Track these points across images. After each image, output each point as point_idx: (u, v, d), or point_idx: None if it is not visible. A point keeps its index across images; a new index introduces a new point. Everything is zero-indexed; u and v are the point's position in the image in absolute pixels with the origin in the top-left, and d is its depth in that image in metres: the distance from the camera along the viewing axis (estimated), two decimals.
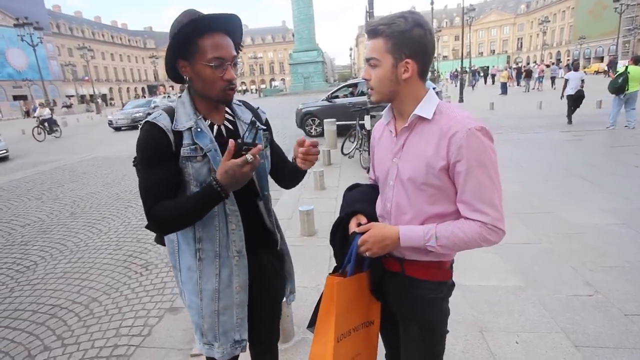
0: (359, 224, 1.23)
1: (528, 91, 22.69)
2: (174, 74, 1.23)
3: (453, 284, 1.25)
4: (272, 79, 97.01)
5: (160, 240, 1.39)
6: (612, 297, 2.56)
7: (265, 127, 1.40)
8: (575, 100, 10.04)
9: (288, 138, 11.17)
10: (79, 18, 73.54)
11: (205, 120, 1.22)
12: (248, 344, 1.47)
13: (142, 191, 1.18)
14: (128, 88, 77.15)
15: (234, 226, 1.24)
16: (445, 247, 1.08)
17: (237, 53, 1.24)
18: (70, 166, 9.49)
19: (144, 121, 1.19)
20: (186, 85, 1.26)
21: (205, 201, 1.12)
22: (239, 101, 1.40)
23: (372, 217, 1.26)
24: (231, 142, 1.08)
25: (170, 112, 1.20)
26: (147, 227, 1.26)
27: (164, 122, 1.16)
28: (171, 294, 3.15)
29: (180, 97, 1.26)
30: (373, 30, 1.09)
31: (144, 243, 4.24)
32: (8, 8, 52.42)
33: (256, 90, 62.24)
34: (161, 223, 1.16)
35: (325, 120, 9.15)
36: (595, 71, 43.30)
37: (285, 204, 5.03)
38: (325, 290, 1.19)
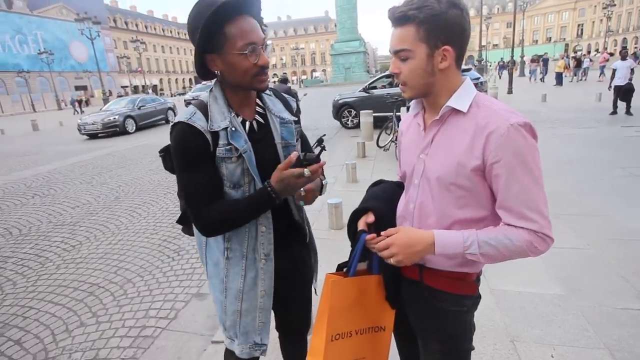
0: (368, 223, 1.15)
1: (573, 81, 21.34)
2: (203, 71, 1.17)
3: (479, 297, 1.13)
4: (313, 70, 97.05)
5: (189, 232, 1.40)
6: None
7: (296, 119, 1.35)
8: (625, 93, 9.19)
9: (325, 129, 11.14)
10: (133, 12, 77.87)
11: (238, 117, 1.19)
12: (278, 333, 1.53)
13: (188, 195, 1.15)
14: (177, 79, 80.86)
15: (264, 228, 1.23)
16: (488, 256, 0.95)
17: (264, 33, 1.19)
18: (120, 152, 10.10)
19: (177, 120, 1.13)
20: (216, 79, 1.21)
21: (258, 205, 1.13)
22: (269, 90, 1.35)
23: (385, 216, 1.16)
24: (294, 153, 1.08)
25: (203, 109, 1.15)
26: (183, 229, 1.30)
27: (200, 122, 1.11)
28: (199, 279, 3.23)
29: (211, 90, 1.20)
30: (402, 17, 0.94)
31: (178, 229, 4.39)
32: (71, 3, 56.61)
33: (297, 81, 62.58)
34: (212, 226, 1.15)
35: (361, 111, 8.96)
36: None
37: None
38: (323, 287, 1.15)
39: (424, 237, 0.97)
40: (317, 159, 1.08)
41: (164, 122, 16.59)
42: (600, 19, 65.82)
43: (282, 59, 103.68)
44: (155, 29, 78.44)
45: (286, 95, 1.42)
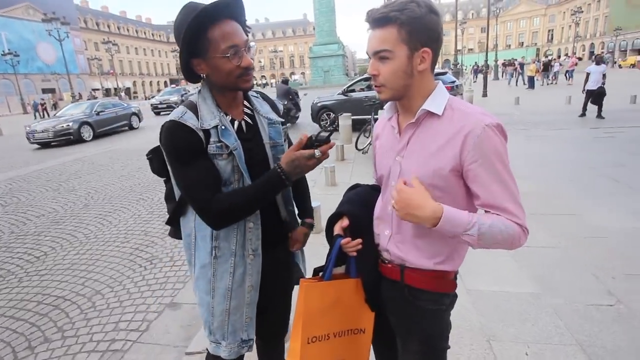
0: (343, 227, 1.18)
1: (544, 85, 22.32)
2: (190, 74, 1.20)
3: (456, 295, 1.16)
4: (292, 73, 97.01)
5: (176, 235, 1.39)
6: (635, 309, 2.37)
7: (283, 120, 1.40)
8: (597, 97, 9.57)
9: (306, 132, 11.12)
10: (105, 13, 75.86)
11: (227, 117, 1.22)
12: (258, 339, 1.52)
13: (191, 188, 1.15)
14: (151, 82, 79.16)
15: (252, 224, 1.24)
16: (483, 239, 0.94)
17: (247, 35, 1.21)
18: (89, 158, 9.75)
19: (169, 120, 1.14)
20: (202, 81, 1.23)
21: (269, 188, 1.13)
22: (256, 92, 1.40)
23: (359, 220, 1.19)
24: (304, 135, 1.10)
25: (193, 109, 1.17)
26: (170, 231, 1.34)
27: (191, 121, 1.14)
28: (172, 288, 3.14)
29: (199, 92, 1.23)
30: (383, 18, 0.96)
31: (151, 236, 4.28)
32: (38, 3, 54.53)
33: (275, 84, 62.51)
34: (225, 216, 1.14)
35: (340, 114, 9.01)
36: (631, 64, 41.09)
37: None
38: (298, 292, 1.16)
39: (432, 208, 0.94)
40: (327, 139, 1.09)
41: (127, 128, 15.52)
42: (569, 24, 69.03)
43: (260, 62, 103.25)
44: (128, 30, 76.61)
45: (273, 98, 1.46)
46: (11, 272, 3.64)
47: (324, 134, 1.10)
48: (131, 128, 15.75)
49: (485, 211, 0.99)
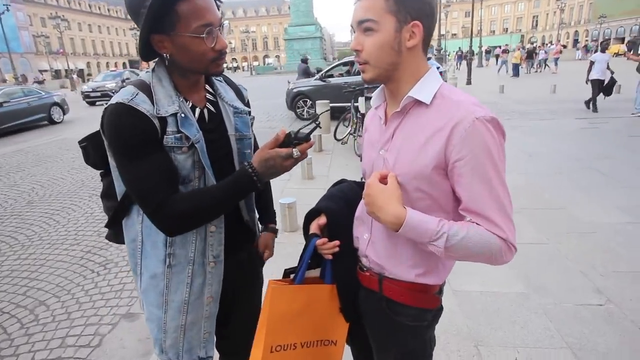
0: (320, 226, 1.11)
1: (530, 73, 22.95)
2: (147, 52, 1.05)
3: (441, 309, 1.10)
4: (266, 56, 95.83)
5: (116, 239, 1.26)
6: (625, 308, 2.43)
7: (249, 110, 1.30)
8: (608, 89, 9.45)
9: (280, 121, 10.97)
10: None
11: (187, 102, 1.09)
12: (219, 354, 1.46)
13: (140, 186, 1.01)
14: (108, 63, 75.74)
15: (214, 228, 1.15)
16: (453, 251, 0.87)
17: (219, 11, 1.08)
18: (34, 148, 9.22)
19: (114, 101, 1.00)
20: (158, 59, 1.10)
21: (236, 190, 1.04)
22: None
23: (338, 218, 1.12)
24: (282, 130, 1.02)
25: (146, 90, 1.04)
26: (108, 235, 1.23)
27: (144, 105, 1.00)
28: (129, 297, 2.98)
29: (153, 70, 1.08)
30: None
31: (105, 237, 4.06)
32: None
33: (248, 67, 61.54)
34: (181, 221, 1.03)
35: (317, 101, 8.90)
36: (615, 53, 42.93)
37: None
38: (266, 293, 1.08)
39: (394, 211, 0.88)
40: (307, 137, 1.02)
41: (46, 122, 12.93)
42: (554, 11, 71.33)
43: (231, 43, 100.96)
44: (80, 4, 72.82)
45: (238, 84, 1.35)
46: None
47: (305, 131, 1.02)
48: (52, 122, 13.13)
49: (468, 220, 0.92)
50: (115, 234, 1.25)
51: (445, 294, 1.13)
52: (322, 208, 1.12)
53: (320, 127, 1.11)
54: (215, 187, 1.07)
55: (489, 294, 2.63)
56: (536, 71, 23.84)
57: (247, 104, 1.32)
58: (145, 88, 1.04)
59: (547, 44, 31.55)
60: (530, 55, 23.63)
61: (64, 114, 13.78)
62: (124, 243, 1.22)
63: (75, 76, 41.18)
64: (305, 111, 10.55)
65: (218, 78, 1.24)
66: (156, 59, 1.11)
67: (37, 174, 6.82)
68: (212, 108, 1.17)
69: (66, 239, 4.08)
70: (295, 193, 4.51)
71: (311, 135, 1.03)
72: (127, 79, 18.51)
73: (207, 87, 1.19)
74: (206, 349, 1.26)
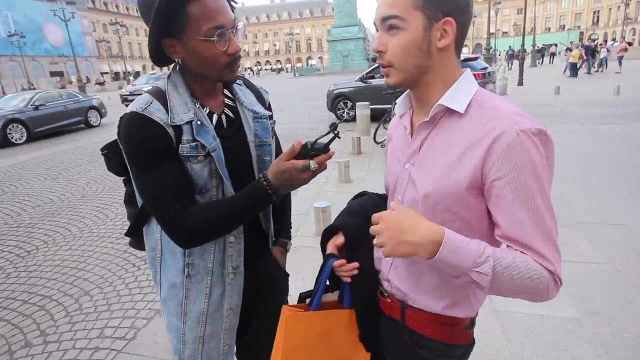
0: (337, 245, 1.02)
1: (589, 72, 21.11)
2: (160, 57, 1.03)
3: (472, 343, 0.97)
4: (309, 57, 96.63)
5: (139, 245, 1.25)
6: None
7: (270, 113, 1.25)
8: None
9: (320, 122, 10.95)
10: None
11: (204, 109, 1.06)
12: None
13: (154, 198, 1.00)
14: None
15: (233, 238, 1.12)
16: (499, 282, 0.73)
17: (233, 12, 1.03)
18: (91, 145, 9.85)
19: (129, 110, 0.99)
20: (174, 64, 1.08)
21: (251, 203, 1.00)
22: (239, 78, 1.23)
23: (357, 237, 1.01)
24: (298, 141, 0.96)
25: (162, 98, 1.01)
26: (131, 242, 1.21)
27: (159, 114, 0.98)
28: None
29: (169, 77, 1.06)
30: None
31: None
32: None
33: (292, 69, 62.38)
34: (195, 234, 1.00)
35: (358, 103, 8.78)
36: None
37: (303, 198, 4.81)
38: (279, 321, 1.01)
39: (428, 229, 0.74)
40: (325, 147, 0.95)
41: (83, 125, 12.92)
42: (617, 5, 65.86)
43: (275, 45, 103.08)
44: (137, 11, 77.21)
45: (259, 86, 1.30)
46: (0, 267, 3.64)
47: (323, 141, 0.95)
48: (88, 125, 13.10)
49: (507, 246, 0.79)
50: (138, 241, 1.23)
51: (487, 313, 1.02)
52: (340, 225, 1.02)
53: (340, 137, 1.05)
54: (230, 199, 1.03)
55: (535, 317, 2.40)
56: (597, 71, 22.08)
57: (269, 107, 1.26)
58: (160, 95, 1.02)
59: (609, 42, 28.85)
60: (592, 53, 21.90)
61: (101, 117, 13.77)
62: (144, 250, 1.21)
63: (132, 78, 43.67)
64: (345, 112, 10.46)
65: (238, 82, 1.19)
66: (172, 65, 1.08)
67: (92, 170, 7.26)
68: (230, 114, 1.13)
69: (113, 233, 4.28)
70: (331, 197, 4.44)
71: (330, 146, 0.95)
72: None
73: (226, 91, 1.15)
74: None
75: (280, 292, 1.38)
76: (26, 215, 5.03)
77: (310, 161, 0.93)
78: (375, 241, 0.78)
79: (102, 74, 60.01)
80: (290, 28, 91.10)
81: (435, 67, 0.82)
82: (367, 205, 1.10)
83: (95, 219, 4.71)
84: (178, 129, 0.99)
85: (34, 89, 31.23)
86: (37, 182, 6.60)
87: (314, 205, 3.73)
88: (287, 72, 73.27)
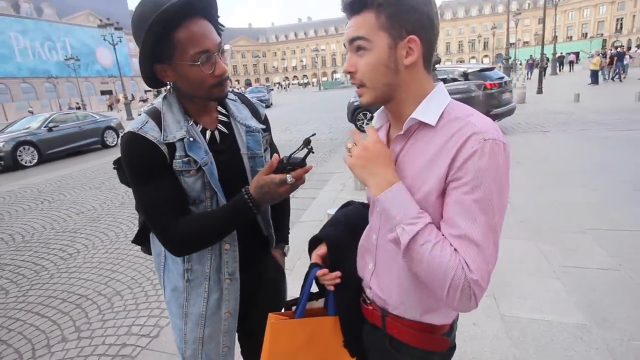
0: (320, 255, 1.02)
1: (609, 79, 20.10)
2: (153, 81, 1.07)
3: (452, 348, 0.94)
4: (334, 72, 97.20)
5: (148, 251, 1.30)
6: None
7: (264, 127, 1.26)
8: None
9: (340, 132, 10.97)
10: None
11: (197, 126, 1.09)
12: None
13: (148, 209, 1.05)
14: None
15: (228, 246, 1.15)
16: (415, 249, 0.73)
17: (220, 36, 1.06)
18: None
19: (126, 131, 1.04)
20: (169, 86, 1.12)
21: (235, 216, 1.03)
22: (234, 94, 1.27)
23: (340, 247, 1.01)
24: (275, 156, 0.99)
25: (157, 117, 1.06)
26: (142, 248, 1.26)
27: (153, 133, 1.02)
28: None
29: (165, 97, 1.11)
30: (356, 2, 0.78)
31: None
32: (97, 10, 59.13)
33: (317, 83, 62.92)
34: (184, 244, 1.04)
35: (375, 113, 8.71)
36: None
37: (320, 205, 4.82)
38: (266, 326, 1.01)
39: (391, 173, 0.79)
40: (302, 162, 0.97)
41: (99, 145, 12.33)
42: None
43: (302, 61, 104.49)
44: None
45: (254, 101, 1.32)
46: (45, 268, 3.84)
47: (298, 156, 0.96)
48: (105, 146, 12.47)
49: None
50: (147, 248, 1.28)
51: (493, 318, 0.98)
52: (322, 236, 1.03)
53: (313, 152, 1.06)
54: (217, 211, 1.06)
55: (542, 322, 2.29)
56: (617, 78, 20.95)
57: (265, 121, 1.28)
58: (155, 115, 1.06)
59: (633, 48, 27.07)
60: (612, 60, 20.84)
61: (118, 137, 12.85)
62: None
63: (143, 101, 45.46)
64: (365, 123, 10.41)
65: (232, 98, 1.22)
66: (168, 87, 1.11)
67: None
68: (224, 129, 1.15)
69: None
70: None
71: (306, 160, 0.95)
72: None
73: (220, 108, 1.18)
74: None
75: (277, 289, 1.39)
76: (71, 221, 5.28)
77: (287, 175, 0.95)
78: (346, 153, 0.84)
79: (145, 91, 62.60)
80: (316, 44, 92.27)
81: (405, 83, 0.82)
82: (350, 215, 1.11)
83: (130, 225, 4.90)
84: (171, 145, 1.03)
85: (79, 107, 32.75)
86: (83, 191, 6.93)
87: (327, 211, 3.72)
88: (312, 85, 73.94)
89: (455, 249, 0.72)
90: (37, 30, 53.62)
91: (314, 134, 1.08)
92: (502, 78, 8.50)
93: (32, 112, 27.97)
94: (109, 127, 12.88)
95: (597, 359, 1.98)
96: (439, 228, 0.78)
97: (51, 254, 4.20)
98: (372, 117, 9.91)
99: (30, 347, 2.63)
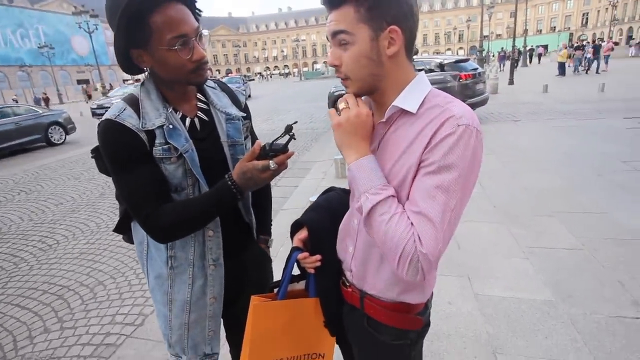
0: (301, 239, 1.02)
1: (577, 72, 20.34)
2: (129, 66, 1.01)
3: (427, 326, 0.96)
4: (315, 62, 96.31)
5: (130, 240, 1.26)
6: None
7: (245, 114, 1.22)
8: None
9: (321, 122, 10.93)
10: None
11: (176, 113, 1.05)
12: (231, 347, 1.43)
13: (130, 198, 1.00)
14: None
15: (212, 232, 1.13)
16: (374, 218, 0.75)
17: (198, 21, 1.01)
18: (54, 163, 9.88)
19: (103, 118, 0.99)
20: (147, 72, 1.06)
21: (218, 202, 1.00)
22: (214, 82, 1.22)
23: (320, 231, 1.01)
24: (257, 143, 0.97)
25: (134, 104, 1.01)
26: (124, 237, 1.22)
27: (131, 120, 0.98)
28: None
29: (143, 84, 1.05)
30: None
31: None
32: None
33: (298, 73, 62.20)
34: (167, 231, 1.01)
35: None
36: None
37: (302, 192, 4.81)
38: (249, 308, 1.00)
39: (364, 145, 0.82)
40: (284, 148, 0.96)
41: (43, 143, 10.60)
42: (605, 7, 64.43)
43: (282, 51, 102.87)
44: None
45: (234, 88, 1.27)
46: (24, 260, 3.70)
47: (280, 142, 0.95)
48: (49, 143, 10.66)
49: None
50: (129, 236, 1.24)
51: (466, 296, 1.01)
52: (304, 220, 1.02)
53: (295, 139, 1.05)
54: (200, 198, 1.03)
55: (512, 300, 2.38)
56: (583, 69, 21.63)
57: (245, 109, 1.25)
58: (133, 102, 1.01)
59: (596, 42, 27.69)
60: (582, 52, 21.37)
61: (67, 133, 11.33)
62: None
63: (107, 88, 43.83)
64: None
65: (212, 85, 1.18)
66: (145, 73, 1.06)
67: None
68: (204, 116, 1.12)
69: None
70: None
71: (288, 146, 0.94)
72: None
73: (200, 95, 1.13)
74: (211, 345, 1.24)
75: (264, 272, 1.38)
76: (49, 212, 5.08)
77: (270, 161, 0.93)
78: (333, 111, 0.85)
79: (124, 80, 60.37)
80: (297, 35, 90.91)
81: (389, 73, 0.81)
82: (331, 200, 1.10)
83: (112, 215, 4.76)
84: (151, 133, 0.99)
85: (46, 98, 30.98)
86: (61, 182, 6.66)
87: (309, 199, 3.72)
88: (294, 76, 73.06)
89: (411, 223, 0.73)
90: (8, 17, 50.44)
91: (295, 122, 1.07)
92: (476, 69, 8.62)
93: (16, 101, 26.72)
94: (55, 123, 10.96)
95: (562, 331, 2.08)
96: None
97: (30, 245, 4.04)
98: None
99: (11, 338, 2.54)
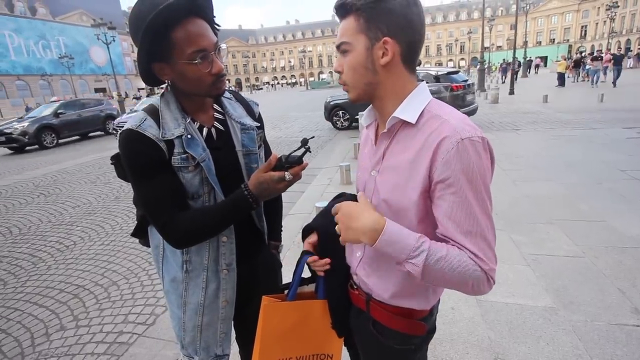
0: (312, 243, 1.02)
1: (596, 85, 19.86)
2: (150, 77, 1.02)
3: (432, 332, 0.95)
4: (320, 72, 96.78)
5: (146, 243, 1.26)
6: None
7: (258, 124, 1.23)
8: None
9: (322, 130, 10.95)
10: None
11: (194, 123, 1.06)
12: (240, 348, 1.43)
13: (149, 205, 1.01)
14: None
15: (226, 238, 1.13)
16: (430, 274, 0.73)
17: (217, 35, 1.02)
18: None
19: (125, 128, 1.00)
20: (167, 83, 1.08)
21: (234, 210, 1.02)
22: (229, 92, 1.23)
23: (330, 236, 1.00)
24: (274, 155, 1.00)
25: (155, 115, 1.02)
26: (140, 240, 1.21)
27: (151, 130, 0.99)
28: None
29: (163, 95, 1.07)
30: (341, 7, 0.80)
31: None
32: (91, 10, 57.31)
33: (304, 82, 62.53)
34: (185, 237, 1.02)
35: (360, 113, 8.72)
36: None
37: (308, 198, 4.81)
38: (260, 308, 1.01)
39: (371, 219, 0.75)
40: (299, 160, 0.98)
41: (102, 133, 12.70)
42: (603, 20, 64.13)
43: (290, 62, 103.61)
44: None
45: (249, 99, 1.29)
46: (42, 260, 3.73)
47: (296, 155, 0.97)
48: (107, 133, 12.72)
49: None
50: (145, 239, 1.25)
51: (470, 302, 1.00)
52: (314, 225, 1.03)
53: (310, 152, 1.08)
54: (217, 206, 1.04)
55: (514, 306, 2.34)
56: (583, 80, 21.48)
57: (259, 119, 1.26)
58: (153, 113, 1.02)
59: (594, 54, 27.29)
60: (577, 64, 21.33)
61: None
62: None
63: (134, 99, 44.29)
64: (340, 122, 10.41)
65: (227, 96, 1.19)
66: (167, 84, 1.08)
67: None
68: (220, 126, 1.13)
69: None
70: (331, 197, 4.42)
71: (303, 158, 0.95)
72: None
73: (216, 106, 1.15)
74: (223, 347, 1.23)
75: (274, 277, 1.38)
76: (67, 214, 5.14)
77: (286, 173, 0.95)
78: (337, 227, 0.82)
79: (139, 89, 61.14)
80: (303, 46, 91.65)
81: (383, 82, 0.82)
82: None
83: (126, 218, 4.80)
84: (170, 142, 1.00)
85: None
86: (79, 186, 6.74)
87: (315, 204, 3.71)
88: (300, 85, 73.52)
89: (459, 248, 0.73)
90: (31, 29, 51.58)
91: (312, 137, 1.10)
92: (466, 81, 8.64)
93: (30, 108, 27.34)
94: (110, 116, 13.40)
95: (563, 338, 2.04)
96: (424, 224, 0.79)
97: (48, 246, 4.08)
98: (348, 117, 9.97)
99: (29, 335, 2.56)
